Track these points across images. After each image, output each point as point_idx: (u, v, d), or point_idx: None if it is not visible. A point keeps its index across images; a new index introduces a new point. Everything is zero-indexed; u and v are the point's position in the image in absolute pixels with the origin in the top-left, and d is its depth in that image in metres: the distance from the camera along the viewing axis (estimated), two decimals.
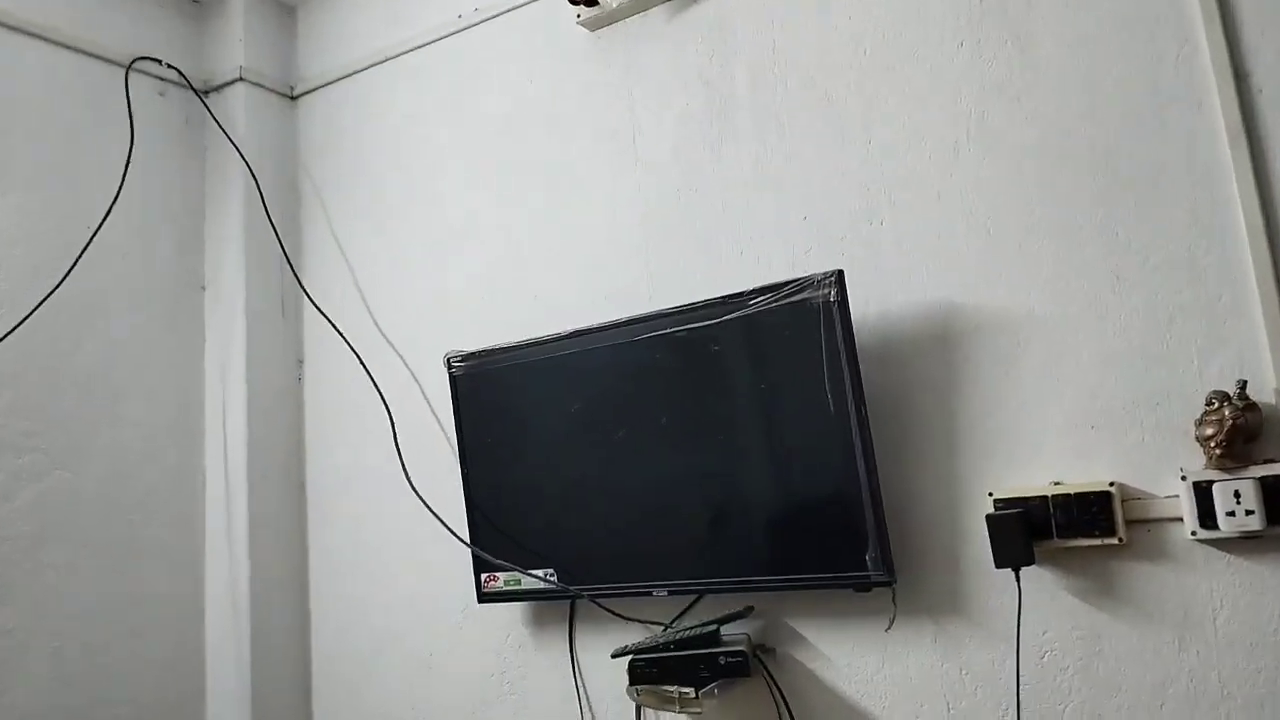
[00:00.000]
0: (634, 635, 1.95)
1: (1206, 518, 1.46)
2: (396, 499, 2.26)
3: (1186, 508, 1.49)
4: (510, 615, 2.16)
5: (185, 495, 2.46)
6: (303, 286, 2.58)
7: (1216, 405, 1.48)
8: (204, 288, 2.61)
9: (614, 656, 1.76)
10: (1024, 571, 1.59)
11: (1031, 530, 1.58)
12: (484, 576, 2.07)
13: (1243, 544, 1.47)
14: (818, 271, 1.72)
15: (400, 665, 2.31)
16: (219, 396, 2.53)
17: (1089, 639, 1.58)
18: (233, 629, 2.38)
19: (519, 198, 2.29)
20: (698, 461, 1.84)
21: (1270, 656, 1.45)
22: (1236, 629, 1.47)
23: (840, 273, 1.69)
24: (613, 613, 1.95)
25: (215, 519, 2.47)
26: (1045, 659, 1.61)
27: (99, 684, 2.21)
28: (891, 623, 1.72)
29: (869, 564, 1.66)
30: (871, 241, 1.83)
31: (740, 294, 1.79)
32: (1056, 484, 1.61)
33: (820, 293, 1.70)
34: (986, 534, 1.60)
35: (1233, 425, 1.45)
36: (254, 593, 2.38)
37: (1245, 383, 1.47)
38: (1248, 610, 1.47)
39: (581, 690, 2.04)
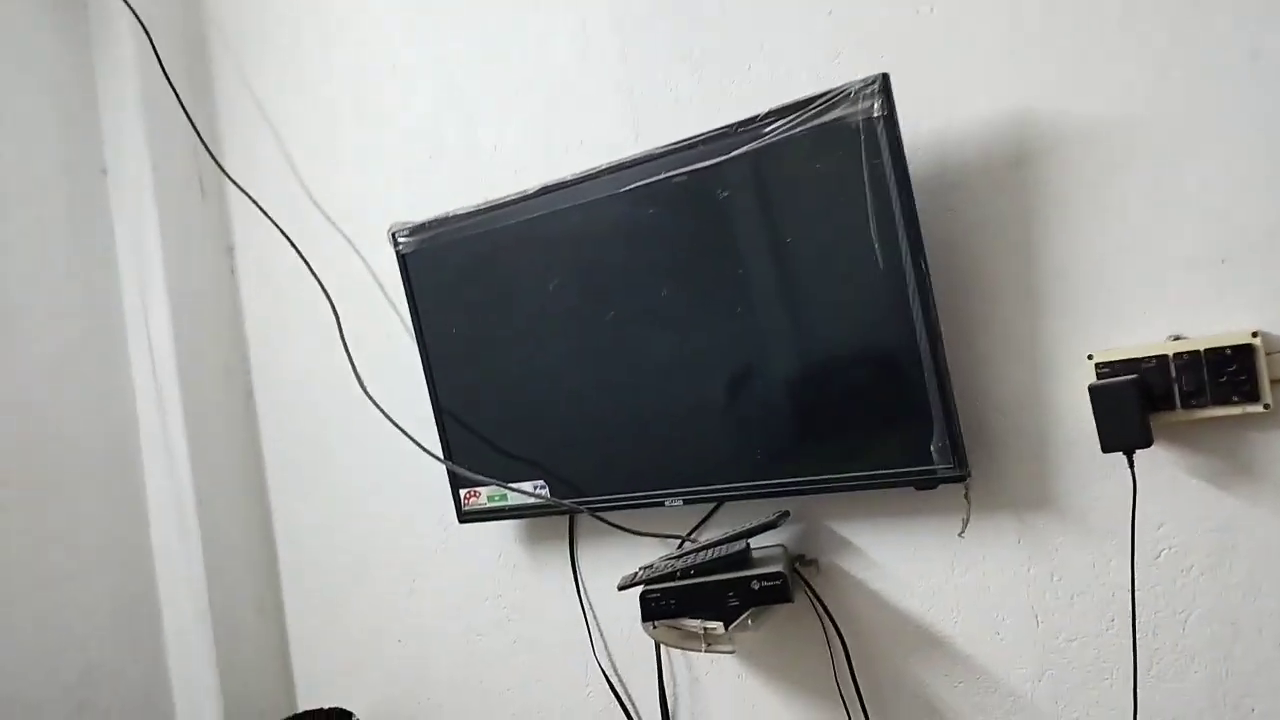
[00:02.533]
0: (647, 551, 1.63)
1: None
2: (358, 405, 1.89)
3: None
4: (501, 533, 1.83)
5: (113, 415, 2.12)
6: (215, 159, 2.14)
7: None
8: (105, 171, 2.20)
9: (620, 589, 1.44)
10: (1138, 454, 1.24)
11: (1149, 401, 1.23)
12: (463, 493, 1.74)
13: None
14: (854, 80, 1.29)
15: (381, 589, 2.01)
16: (138, 296, 2.15)
17: (1220, 532, 1.24)
18: (182, 552, 2.09)
19: (459, 25, 1.83)
20: (710, 342, 1.47)
21: None
22: None
23: (885, 77, 1.27)
24: (619, 527, 1.62)
25: (151, 438, 2.13)
26: (1162, 559, 1.28)
27: (44, 635, 1.94)
28: (965, 525, 1.39)
29: (934, 455, 1.31)
30: (919, 37, 1.39)
31: (751, 120, 1.37)
32: (1178, 338, 1.24)
33: (859, 107, 1.28)
34: (1086, 409, 1.25)
35: None
36: (202, 517, 2.07)
37: None
38: None
39: (590, 614, 1.74)
